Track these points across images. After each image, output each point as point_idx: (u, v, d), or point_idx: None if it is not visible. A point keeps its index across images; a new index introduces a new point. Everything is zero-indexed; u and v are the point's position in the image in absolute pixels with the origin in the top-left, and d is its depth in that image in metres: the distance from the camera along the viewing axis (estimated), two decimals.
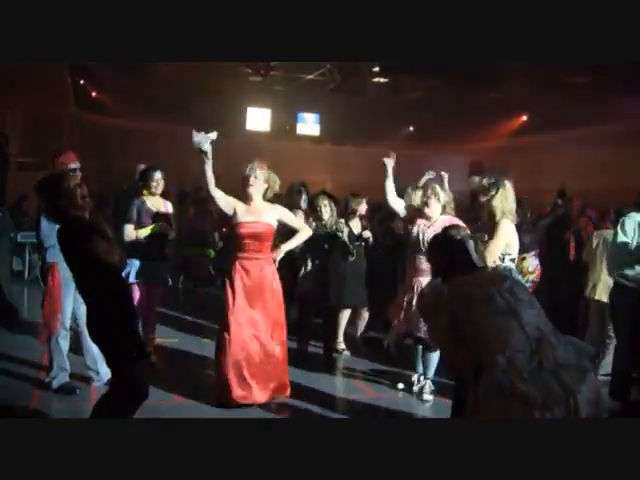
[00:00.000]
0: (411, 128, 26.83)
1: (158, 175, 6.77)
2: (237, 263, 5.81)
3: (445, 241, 3.75)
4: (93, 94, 22.29)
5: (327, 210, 7.62)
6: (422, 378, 6.47)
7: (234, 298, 5.71)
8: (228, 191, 5.94)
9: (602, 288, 7.16)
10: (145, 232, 6.53)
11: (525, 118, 23.51)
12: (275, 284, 5.95)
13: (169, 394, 6.10)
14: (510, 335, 3.09)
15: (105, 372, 6.06)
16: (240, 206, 5.90)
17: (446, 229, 3.89)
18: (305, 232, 6.27)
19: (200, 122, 23.23)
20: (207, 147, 5.65)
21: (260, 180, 5.92)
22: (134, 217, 6.59)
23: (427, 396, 6.31)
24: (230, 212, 5.88)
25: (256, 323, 5.76)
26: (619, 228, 6.08)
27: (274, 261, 5.96)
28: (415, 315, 6.06)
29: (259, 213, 5.89)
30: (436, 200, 6.23)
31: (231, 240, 6.00)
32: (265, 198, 6.04)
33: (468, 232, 3.89)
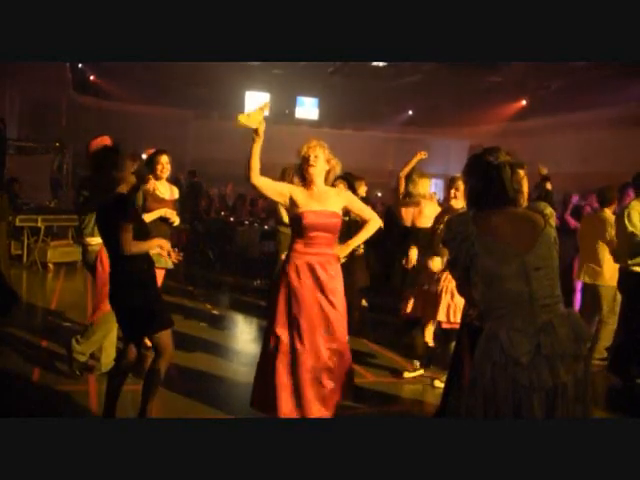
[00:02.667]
0: (410, 112, 26.84)
1: (165, 159, 6.54)
2: (299, 261, 4.84)
3: (479, 164, 3.24)
4: (91, 78, 22.30)
5: None
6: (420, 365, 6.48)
7: (287, 305, 4.80)
8: (228, 177, 5.75)
9: (591, 271, 7.20)
10: (150, 217, 6.23)
11: (524, 102, 23.52)
12: (339, 287, 4.91)
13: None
14: (517, 317, 3.04)
15: (105, 363, 5.99)
16: (298, 192, 4.92)
17: (485, 151, 3.27)
18: (375, 223, 5.13)
19: (198, 106, 23.40)
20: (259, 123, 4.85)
21: (321, 159, 4.91)
22: (140, 202, 6.33)
23: (439, 382, 6.25)
24: (285, 201, 4.93)
25: (312, 337, 4.77)
26: (626, 219, 6.28)
27: (338, 259, 5.00)
28: (431, 302, 6.15)
29: (325, 199, 4.93)
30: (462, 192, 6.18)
31: (292, 233, 5.00)
32: (327, 183, 5.05)
33: (509, 158, 3.25)
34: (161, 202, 6.42)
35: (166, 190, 6.57)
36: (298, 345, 4.71)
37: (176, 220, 6.51)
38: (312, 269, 4.78)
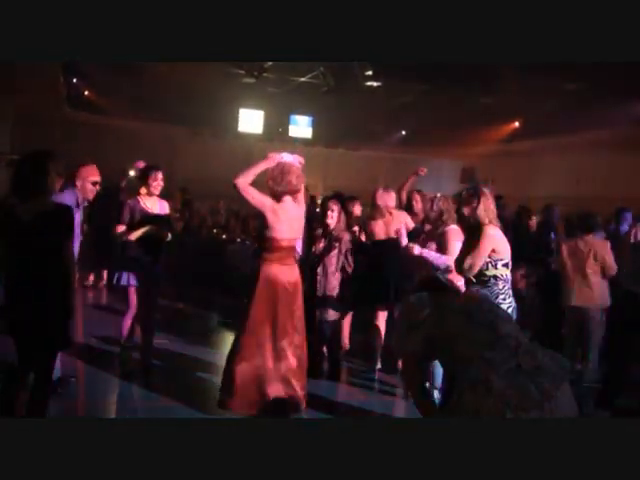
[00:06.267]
0: (403, 132, 26.92)
1: (160, 175, 6.45)
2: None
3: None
4: (86, 93, 22.30)
5: (334, 216, 6.99)
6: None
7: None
8: (220, 194, 5.72)
9: (579, 294, 7.16)
10: (137, 235, 6.28)
11: (517, 124, 23.62)
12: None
13: (160, 395, 6.06)
14: (489, 342, 3.09)
15: None
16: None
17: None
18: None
19: (192, 123, 23.42)
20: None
21: None
22: (126, 218, 6.35)
23: None
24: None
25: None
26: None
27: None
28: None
29: None
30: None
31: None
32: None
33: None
34: (149, 218, 6.35)
35: (154, 205, 6.49)
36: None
37: (167, 236, 6.45)
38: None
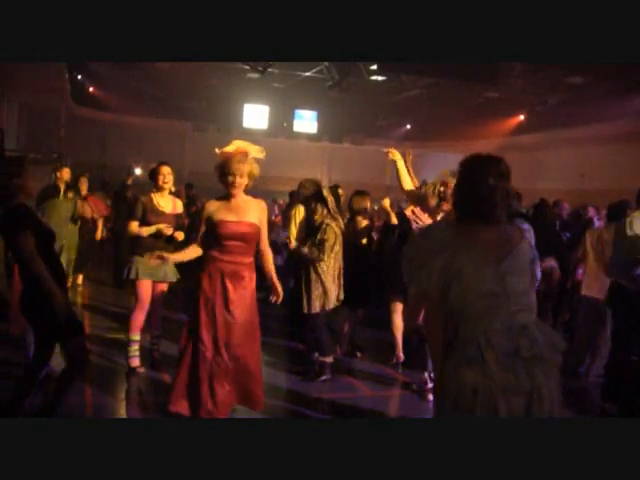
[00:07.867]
0: (408, 126, 26.91)
1: (166, 169, 6.36)
2: (213, 268, 5.09)
3: (477, 182, 3.49)
4: (90, 89, 22.37)
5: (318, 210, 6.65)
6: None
7: (209, 306, 5.08)
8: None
9: (594, 284, 7.12)
10: (149, 231, 6.20)
11: (522, 117, 23.61)
12: (245, 297, 5.18)
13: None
14: (495, 318, 3.06)
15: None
16: (216, 205, 5.18)
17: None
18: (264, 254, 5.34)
19: (196, 118, 23.43)
20: None
21: (245, 176, 5.14)
22: (138, 214, 6.25)
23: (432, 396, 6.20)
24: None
25: (229, 332, 5.08)
26: (627, 227, 6.06)
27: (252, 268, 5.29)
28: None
29: (243, 210, 5.17)
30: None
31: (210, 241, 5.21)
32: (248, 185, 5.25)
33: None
34: (161, 215, 6.26)
35: (167, 203, 6.40)
36: (201, 346, 4.99)
37: (180, 236, 6.35)
38: (222, 277, 5.02)
